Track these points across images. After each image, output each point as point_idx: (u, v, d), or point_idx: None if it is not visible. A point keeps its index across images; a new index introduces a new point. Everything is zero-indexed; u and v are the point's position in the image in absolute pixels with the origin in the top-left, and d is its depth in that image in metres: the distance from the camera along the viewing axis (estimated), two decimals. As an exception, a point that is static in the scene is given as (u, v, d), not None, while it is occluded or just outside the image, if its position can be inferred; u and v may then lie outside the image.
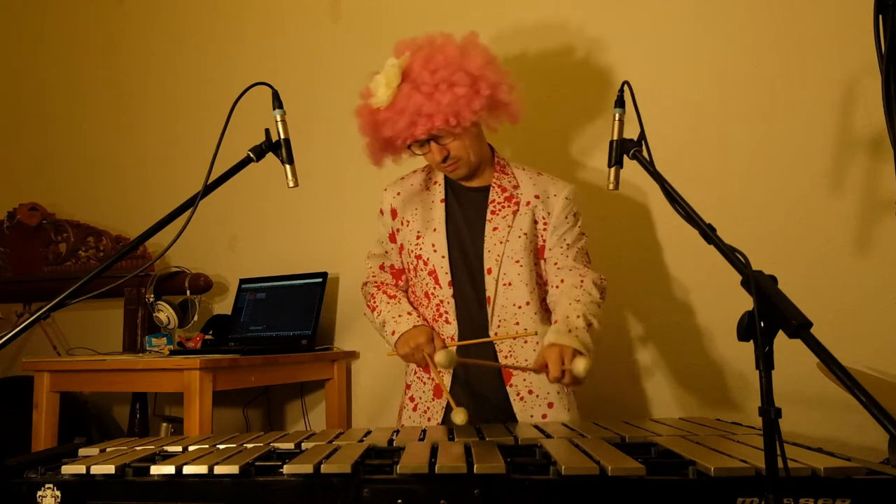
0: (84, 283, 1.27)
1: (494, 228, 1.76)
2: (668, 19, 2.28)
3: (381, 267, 1.93)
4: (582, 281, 1.71)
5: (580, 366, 1.46)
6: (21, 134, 3.45)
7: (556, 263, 1.76)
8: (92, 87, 3.29)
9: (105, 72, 3.26)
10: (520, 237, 1.75)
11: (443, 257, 1.77)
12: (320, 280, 2.61)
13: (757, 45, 2.16)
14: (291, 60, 2.83)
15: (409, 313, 1.76)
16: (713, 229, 1.15)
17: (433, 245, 1.78)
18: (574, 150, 2.37)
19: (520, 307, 1.74)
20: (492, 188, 1.80)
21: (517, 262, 1.74)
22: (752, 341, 0.93)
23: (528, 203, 1.78)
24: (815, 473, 1.01)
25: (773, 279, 0.98)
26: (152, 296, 2.73)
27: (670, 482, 1.04)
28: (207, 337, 2.67)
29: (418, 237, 1.80)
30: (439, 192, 1.83)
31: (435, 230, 1.79)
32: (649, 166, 1.32)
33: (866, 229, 2.02)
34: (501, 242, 1.74)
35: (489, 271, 1.74)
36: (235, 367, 2.26)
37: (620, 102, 1.47)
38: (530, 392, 1.73)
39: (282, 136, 1.49)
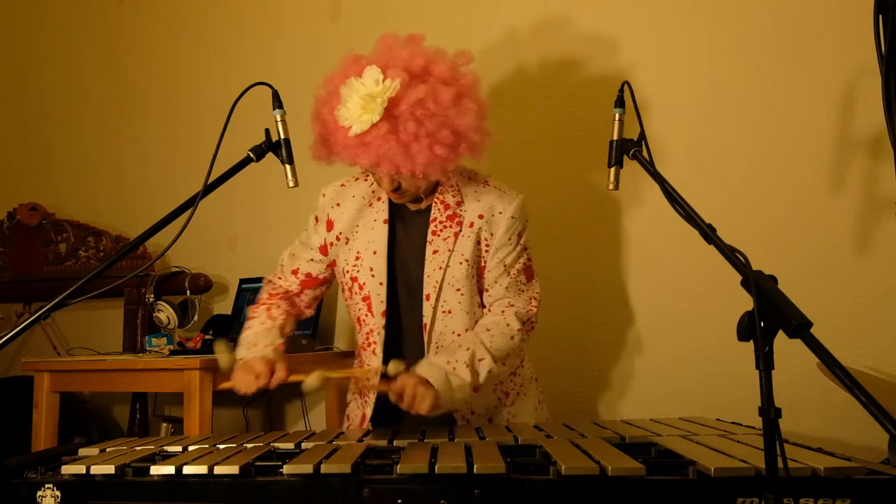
0: (84, 283, 1.27)
1: (434, 251, 1.63)
2: (668, 20, 2.27)
3: (295, 272, 1.79)
4: (503, 311, 1.63)
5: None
6: (21, 134, 3.45)
7: (487, 290, 1.67)
8: (92, 88, 3.29)
9: (105, 72, 3.26)
10: (461, 263, 1.63)
11: (380, 283, 1.64)
12: (320, 280, 2.61)
13: (757, 46, 2.16)
14: (291, 60, 2.83)
15: (269, 346, 1.60)
16: (713, 229, 1.15)
17: (371, 269, 1.66)
18: (574, 150, 2.37)
19: (458, 335, 1.63)
20: (434, 205, 1.66)
21: (458, 290, 1.63)
22: (752, 341, 0.93)
23: (471, 224, 1.64)
24: (815, 473, 1.01)
25: (773, 279, 0.98)
26: (152, 296, 2.73)
27: (670, 482, 1.05)
28: (207, 337, 2.67)
29: (357, 258, 1.68)
30: (382, 210, 1.68)
31: (375, 253, 1.66)
32: (649, 166, 1.32)
33: (866, 229, 2.01)
34: (441, 268, 1.62)
35: (427, 297, 1.62)
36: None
37: (620, 102, 1.47)
38: (473, 413, 1.67)
39: (282, 136, 1.48)
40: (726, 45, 2.20)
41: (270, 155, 1.49)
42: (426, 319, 1.63)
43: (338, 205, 1.74)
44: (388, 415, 1.66)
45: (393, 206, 1.70)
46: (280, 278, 1.82)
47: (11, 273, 3.14)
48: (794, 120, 2.11)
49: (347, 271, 1.70)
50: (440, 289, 1.63)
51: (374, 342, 1.66)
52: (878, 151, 1.99)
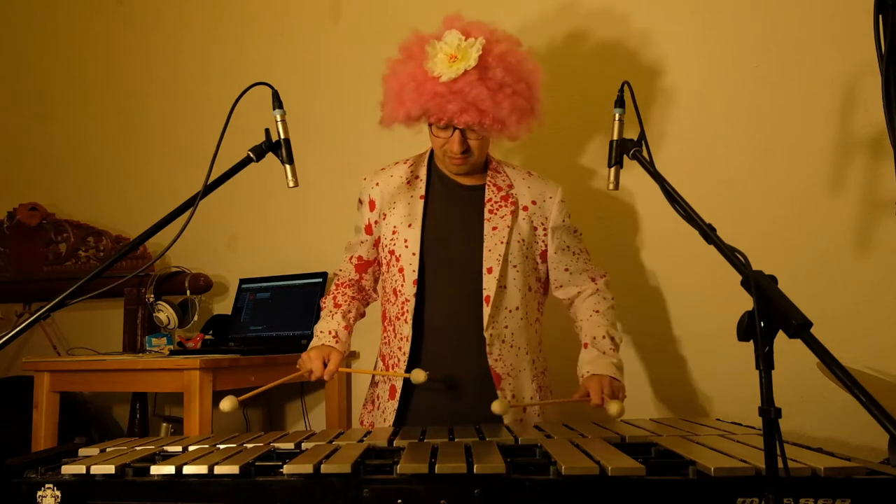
0: (84, 283, 1.27)
1: (494, 228, 1.73)
2: (669, 20, 2.28)
3: (350, 259, 1.90)
4: (597, 287, 1.82)
5: (614, 409, 1.54)
6: (21, 134, 3.45)
7: (566, 269, 1.81)
8: (92, 87, 3.29)
9: (105, 72, 3.26)
10: (519, 242, 1.74)
11: (413, 254, 1.73)
12: (320, 280, 2.61)
13: (757, 46, 2.16)
14: (291, 60, 2.83)
15: (330, 332, 1.74)
16: (713, 229, 1.15)
17: (406, 241, 1.75)
18: (573, 150, 2.37)
19: (510, 311, 1.73)
20: (487, 187, 1.78)
21: (515, 266, 1.73)
22: (752, 341, 0.93)
23: (525, 208, 1.77)
24: (815, 473, 1.01)
25: (773, 279, 0.98)
26: (152, 296, 2.73)
27: (670, 482, 1.04)
28: (207, 337, 2.67)
29: (394, 232, 1.77)
30: (420, 187, 1.79)
31: (410, 226, 1.75)
32: (649, 166, 1.32)
33: (866, 229, 2.01)
34: (502, 243, 1.72)
35: (489, 270, 1.71)
36: (235, 367, 2.26)
37: (620, 102, 1.47)
38: (513, 396, 1.72)
39: (282, 136, 1.49)
40: (726, 45, 2.20)
41: (270, 155, 1.49)
42: (489, 292, 1.71)
43: (377, 185, 1.83)
44: (413, 387, 1.74)
45: (432, 184, 1.80)
46: (341, 270, 1.93)
47: (11, 273, 3.15)
48: (794, 120, 2.11)
49: (385, 245, 1.80)
50: (503, 263, 1.71)
51: (407, 311, 1.73)
52: (878, 151, 1.99)
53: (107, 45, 3.27)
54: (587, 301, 1.81)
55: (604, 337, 1.73)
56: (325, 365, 1.66)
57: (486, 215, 1.74)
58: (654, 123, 2.19)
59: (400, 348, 1.73)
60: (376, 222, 1.83)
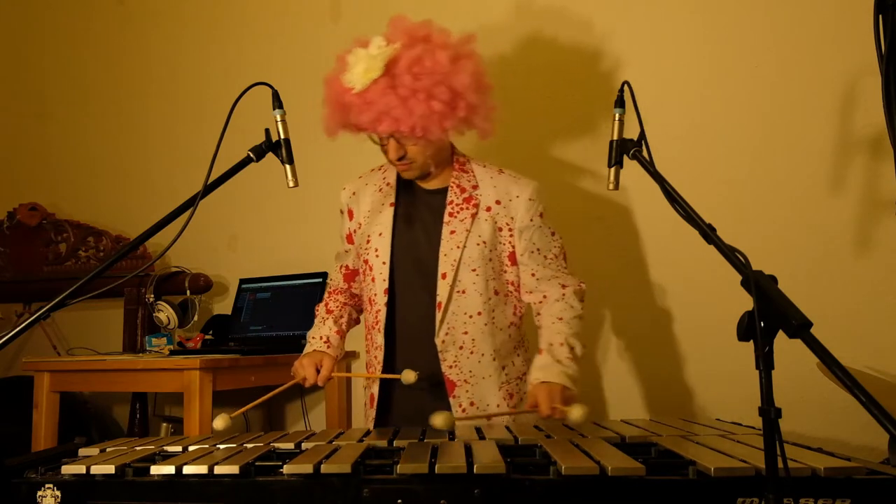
0: (84, 283, 1.27)
1: (452, 232, 1.69)
2: (669, 20, 2.27)
3: (340, 269, 1.90)
4: (564, 294, 1.69)
5: (575, 414, 1.41)
6: (21, 134, 3.45)
7: (533, 273, 1.71)
8: (92, 87, 3.29)
9: (105, 72, 3.26)
10: (478, 244, 1.68)
11: (384, 263, 1.71)
12: (320, 280, 2.61)
13: (757, 46, 2.16)
14: (291, 60, 2.83)
15: (321, 338, 1.76)
16: (713, 229, 1.15)
17: (377, 251, 1.73)
18: (574, 150, 2.37)
19: (470, 317, 1.68)
20: (450, 188, 1.73)
21: (473, 270, 1.68)
22: (752, 341, 0.93)
23: (488, 208, 1.70)
24: (815, 473, 1.01)
25: (773, 279, 0.97)
26: (152, 296, 2.73)
27: (670, 482, 1.05)
28: (207, 337, 2.67)
29: (367, 241, 1.76)
30: (390, 194, 1.77)
31: (381, 235, 1.74)
32: (649, 166, 1.32)
33: (866, 229, 2.01)
34: (458, 247, 1.67)
35: (443, 276, 1.67)
36: (235, 367, 2.26)
37: (620, 102, 1.47)
38: (472, 404, 1.68)
39: (282, 136, 1.48)
40: (726, 45, 2.20)
41: (270, 155, 1.49)
42: (441, 298, 1.67)
43: (354, 194, 1.84)
44: (389, 393, 1.75)
45: (402, 192, 1.77)
46: (332, 279, 1.94)
47: (11, 273, 3.15)
48: (794, 120, 2.11)
49: (361, 255, 1.79)
50: (457, 268, 1.67)
51: (380, 320, 1.72)
52: (878, 151, 1.99)
53: (107, 45, 3.27)
54: (552, 307, 1.69)
55: (561, 344, 1.61)
56: (319, 371, 1.67)
57: (446, 219, 1.70)
58: (654, 123, 2.19)
59: (376, 357, 1.74)
60: (354, 231, 1.82)
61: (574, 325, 1.66)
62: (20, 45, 3.49)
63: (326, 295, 1.90)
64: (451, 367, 1.68)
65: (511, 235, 1.71)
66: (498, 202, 1.71)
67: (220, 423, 1.47)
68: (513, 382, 1.74)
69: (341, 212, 1.87)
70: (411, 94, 1.53)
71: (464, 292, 1.68)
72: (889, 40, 1.29)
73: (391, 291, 1.72)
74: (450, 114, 1.57)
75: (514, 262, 1.73)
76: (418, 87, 1.54)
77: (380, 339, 1.71)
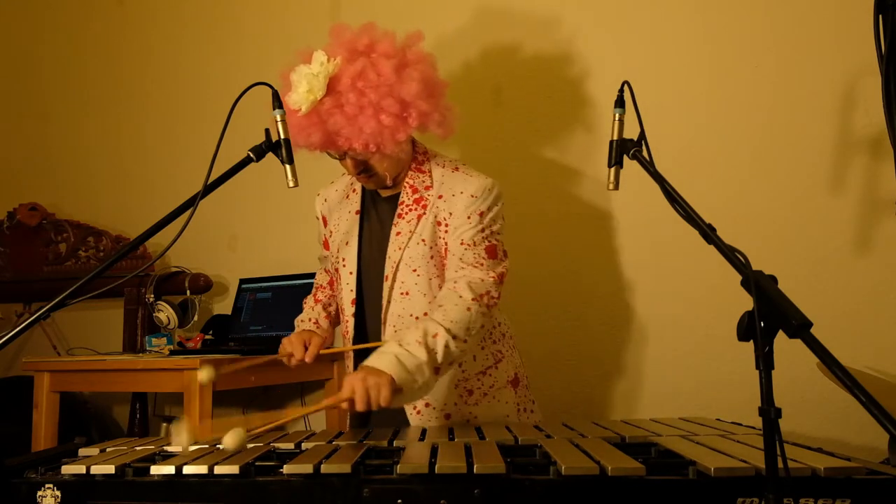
0: (84, 283, 1.27)
1: (398, 234, 1.64)
2: (669, 20, 2.27)
3: (325, 270, 1.91)
4: (455, 282, 1.54)
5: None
6: (21, 134, 3.45)
7: (450, 268, 1.60)
8: (92, 87, 3.29)
9: (105, 72, 3.26)
10: (418, 244, 1.62)
11: (350, 273, 1.69)
12: (320, 280, 2.61)
13: (757, 46, 2.16)
14: (291, 60, 2.83)
15: (310, 320, 1.79)
16: (713, 229, 1.15)
17: (343, 260, 1.71)
18: (574, 150, 2.37)
19: (416, 318, 1.61)
20: (403, 190, 1.67)
21: (414, 270, 1.62)
22: (752, 341, 0.93)
23: (433, 206, 1.64)
24: (815, 473, 1.01)
25: (774, 279, 0.98)
26: (152, 296, 2.73)
27: (670, 482, 1.05)
28: (207, 337, 2.67)
29: (338, 250, 1.75)
30: (356, 202, 1.74)
31: (348, 244, 1.72)
32: (649, 166, 1.32)
33: (866, 229, 2.01)
34: (400, 248, 1.63)
35: (386, 278, 1.63)
36: (235, 367, 2.26)
37: (620, 102, 1.47)
38: (427, 405, 1.64)
39: (282, 136, 1.48)
40: (726, 45, 2.20)
41: (270, 155, 1.49)
42: (384, 301, 1.64)
43: (325, 200, 1.82)
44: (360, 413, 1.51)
45: (366, 197, 1.75)
46: (318, 279, 1.94)
47: (11, 273, 3.14)
48: (794, 120, 2.11)
49: (333, 263, 1.79)
50: (397, 269, 1.63)
51: (348, 330, 1.71)
52: (878, 151, 1.99)
53: (107, 45, 3.27)
54: (440, 294, 1.56)
55: (417, 328, 1.44)
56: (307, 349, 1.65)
57: (395, 220, 1.65)
58: (654, 123, 2.19)
59: (348, 366, 1.77)
60: (330, 236, 1.81)
61: (452, 313, 1.47)
62: (20, 45, 3.49)
63: (314, 289, 1.92)
64: None
65: (446, 231, 1.61)
66: (440, 197, 1.63)
67: (204, 374, 1.46)
68: (472, 378, 1.66)
69: (316, 218, 1.87)
70: (358, 111, 1.50)
71: (407, 294, 1.63)
72: (889, 40, 1.29)
73: (359, 301, 1.70)
74: (401, 126, 1.54)
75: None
76: (364, 102, 1.50)
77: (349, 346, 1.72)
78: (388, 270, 1.64)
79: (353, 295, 1.69)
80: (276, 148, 1.48)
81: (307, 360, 1.64)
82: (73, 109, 3.33)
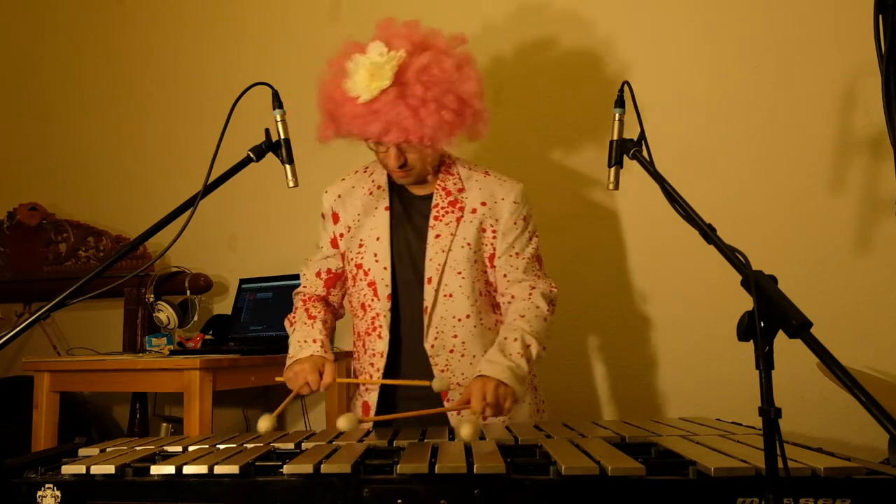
0: (84, 283, 1.27)
1: (437, 236, 1.67)
2: (669, 20, 2.28)
3: (318, 274, 1.81)
4: (531, 294, 1.67)
5: (464, 433, 1.25)
6: (21, 134, 3.45)
7: (505, 275, 1.69)
8: (92, 87, 3.29)
9: (105, 72, 3.26)
10: (463, 247, 1.67)
11: (385, 268, 1.68)
12: (320, 280, 2.61)
13: (757, 46, 2.16)
14: (291, 60, 2.83)
15: (315, 341, 1.65)
16: (713, 229, 1.15)
17: (375, 255, 1.70)
18: (574, 150, 2.37)
19: (459, 320, 1.66)
20: (435, 192, 1.71)
21: (459, 273, 1.66)
22: (752, 341, 0.93)
23: (473, 210, 1.69)
24: (815, 473, 1.01)
25: (774, 279, 0.97)
26: (152, 296, 2.73)
27: (670, 482, 1.04)
28: (207, 337, 2.67)
29: (360, 246, 1.72)
30: (383, 198, 1.73)
31: (378, 239, 1.70)
32: (649, 166, 1.32)
33: (866, 229, 2.02)
34: (444, 251, 1.66)
35: (429, 280, 1.66)
36: (235, 367, 2.26)
37: (620, 102, 1.47)
38: (459, 413, 1.63)
39: (282, 136, 1.49)
40: (726, 45, 2.20)
41: (270, 155, 1.49)
42: (427, 302, 1.66)
43: (339, 197, 1.78)
44: (388, 401, 1.71)
45: (393, 194, 1.74)
46: (306, 287, 1.85)
47: (11, 273, 3.14)
48: (794, 120, 2.11)
49: (352, 259, 1.74)
50: (442, 272, 1.66)
51: (381, 325, 1.68)
52: (878, 151, 2.00)
53: (107, 45, 3.27)
54: (516, 305, 1.66)
55: (515, 340, 1.57)
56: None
57: (431, 223, 1.68)
58: (654, 123, 2.19)
59: (372, 364, 1.69)
60: (342, 235, 1.77)
61: (535, 324, 1.62)
62: (20, 45, 3.49)
63: (301, 302, 1.79)
64: (442, 371, 1.66)
65: (494, 237, 1.69)
66: (483, 203, 1.70)
67: (265, 424, 1.36)
68: None
69: (323, 215, 1.82)
70: (422, 104, 1.52)
71: (451, 296, 1.67)
72: (889, 40, 1.29)
73: (394, 296, 1.69)
74: (458, 122, 1.57)
75: (493, 263, 1.71)
76: (429, 96, 1.52)
77: (380, 345, 1.68)
78: (432, 273, 1.66)
79: (389, 290, 1.68)
80: (276, 148, 1.49)
81: (323, 390, 1.59)
82: (73, 109, 3.33)
